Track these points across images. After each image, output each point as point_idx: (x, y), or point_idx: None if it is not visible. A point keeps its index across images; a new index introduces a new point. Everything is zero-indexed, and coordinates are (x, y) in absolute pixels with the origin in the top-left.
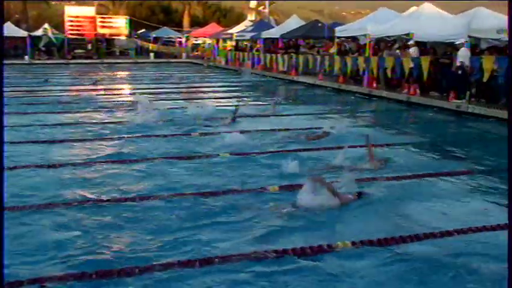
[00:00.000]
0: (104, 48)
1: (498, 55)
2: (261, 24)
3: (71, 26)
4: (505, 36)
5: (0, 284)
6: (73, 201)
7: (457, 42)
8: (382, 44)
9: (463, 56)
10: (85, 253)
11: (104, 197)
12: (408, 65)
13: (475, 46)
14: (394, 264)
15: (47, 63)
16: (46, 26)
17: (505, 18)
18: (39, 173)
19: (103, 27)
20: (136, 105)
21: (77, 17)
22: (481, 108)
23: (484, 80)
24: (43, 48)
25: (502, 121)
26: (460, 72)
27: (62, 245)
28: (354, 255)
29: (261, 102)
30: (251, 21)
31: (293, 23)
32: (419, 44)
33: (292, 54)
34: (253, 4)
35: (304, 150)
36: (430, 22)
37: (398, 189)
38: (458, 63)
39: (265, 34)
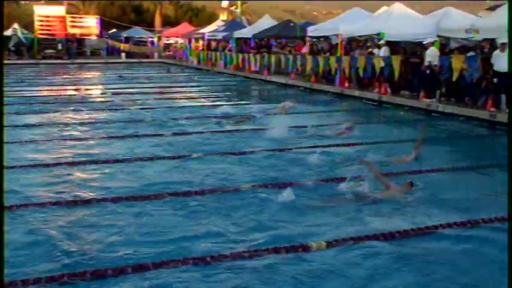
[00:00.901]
0: (74, 48)
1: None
2: (233, 24)
3: (41, 25)
4: (474, 36)
5: (0, 284)
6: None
7: (424, 42)
8: (353, 43)
9: (431, 55)
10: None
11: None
12: (379, 64)
13: (444, 45)
14: None
15: (16, 63)
16: (15, 25)
17: (473, 18)
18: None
19: (73, 27)
20: None
21: (47, 16)
22: (451, 107)
23: (454, 79)
24: (12, 48)
25: (471, 119)
26: (428, 71)
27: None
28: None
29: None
30: (223, 21)
31: (265, 23)
32: (390, 44)
33: (264, 54)
34: (225, 4)
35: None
36: (400, 22)
37: None
38: (426, 63)
39: (237, 34)
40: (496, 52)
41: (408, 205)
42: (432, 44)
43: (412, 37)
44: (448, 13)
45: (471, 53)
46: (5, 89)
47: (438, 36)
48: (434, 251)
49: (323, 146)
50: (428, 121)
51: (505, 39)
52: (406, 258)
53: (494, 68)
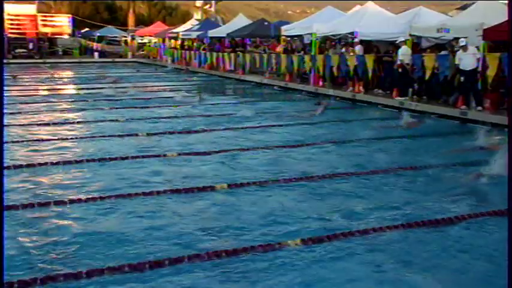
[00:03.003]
0: (46, 47)
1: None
2: (207, 23)
3: (11, 24)
4: (445, 35)
5: (0, 284)
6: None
7: (397, 41)
8: (327, 42)
9: (403, 54)
10: None
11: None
12: (353, 63)
13: (416, 44)
14: None
15: None
16: None
17: (444, 17)
18: None
19: (45, 26)
20: None
21: (17, 15)
22: (423, 105)
23: (426, 77)
24: None
25: (443, 117)
26: (400, 70)
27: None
28: None
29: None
30: (197, 20)
31: (240, 22)
32: (362, 43)
33: (239, 53)
34: (199, 3)
35: None
36: (373, 21)
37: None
38: (398, 62)
39: (212, 33)
40: (459, 52)
41: None
42: (404, 42)
43: (385, 36)
44: (420, 13)
45: (444, 52)
46: None
47: (410, 35)
48: None
49: None
50: (400, 118)
51: (464, 42)
52: None
53: (460, 67)
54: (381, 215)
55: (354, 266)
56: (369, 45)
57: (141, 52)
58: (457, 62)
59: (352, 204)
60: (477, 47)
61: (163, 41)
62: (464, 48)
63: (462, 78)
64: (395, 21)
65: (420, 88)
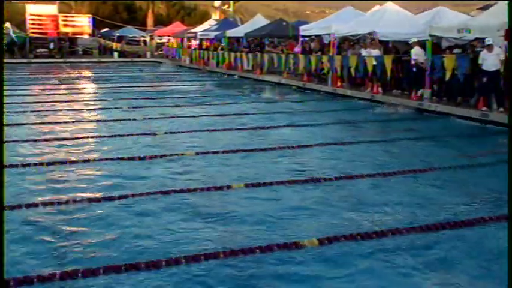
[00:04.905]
0: (66, 47)
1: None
2: (225, 23)
3: (33, 24)
4: (465, 36)
5: (0, 284)
6: None
7: (410, 42)
8: (346, 43)
9: (416, 54)
10: None
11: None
12: (371, 63)
13: (436, 45)
14: None
15: (9, 63)
16: (7, 24)
17: (465, 17)
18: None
19: (66, 26)
20: None
21: (39, 15)
22: (443, 106)
23: (446, 78)
24: (4, 47)
25: (462, 118)
26: (414, 70)
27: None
28: None
29: None
30: (215, 20)
31: (258, 22)
32: (382, 43)
33: (256, 53)
34: (217, 3)
35: None
36: (392, 21)
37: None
38: (412, 62)
39: (230, 33)
40: (484, 52)
41: None
42: (417, 43)
43: (404, 36)
44: (440, 13)
45: (457, 50)
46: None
47: (430, 35)
48: None
49: None
50: (419, 119)
51: (491, 41)
52: None
53: (483, 67)
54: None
55: None
56: (386, 46)
57: (160, 52)
58: (480, 62)
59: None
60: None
61: (182, 41)
62: (490, 48)
63: (485, 79)
64: (415, 22)
65: (440, 89)
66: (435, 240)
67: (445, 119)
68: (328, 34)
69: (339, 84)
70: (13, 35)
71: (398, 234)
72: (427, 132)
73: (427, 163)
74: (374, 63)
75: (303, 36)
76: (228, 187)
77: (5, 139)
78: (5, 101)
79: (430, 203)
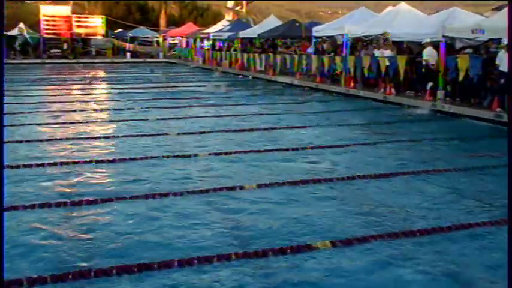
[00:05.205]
0: (79, 47)
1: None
2: (238, 24)
3: (47, 25)
4: (479, 36)
5: (0, 284)
6: None
7: (423, 42)
8: (359, 43)
9: (428, 54)
10: None
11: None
12: (384, 64)
13: (450, 45)
14: None
15: (23, 63)
16: (21, 25)
17: (479, 18)
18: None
19: (79, 26)
20: None
21: (53, 16)
22: (456, 107)
23: (460, 79)
24: (18, 48)
25: (475, 119)
26: (424, 70)
27: None
28: None
29: None
30: (228, 20)
31: (270, 22)
32: (395, 44)
33: (269, 53)
34: (230, 4)
35: None
36: (406, 22)
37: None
38: (424, 62)
39: (243, 34)
40: (501, 53)
41: None
42: (430, 43)
43: (418, 37)
44: (454, 13)
45: (468, 50)
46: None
47: (444, 36)
48: None
49: None
50: (432, 120)
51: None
52: None
53: (500, 68)
54: None
55: None
56: (400, 46)
57: (173, 52)
58: (497, 63)
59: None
60: None
61: (194, 41)
62: (507, 48)
63: (502, 81)
64: (428, 22)
65: (453, 90)
66: (450, 241)
67: (458, 120)
68: (341, 35)
69: (351, 85)
70: (27, 36)
71: (412, 235)
72: (441, 134)
73: (440, 164)
74: (387, 63)
75: (316, 37)
76: (241, 187)
77: (20, 139)
78: (21, 102)
79: (443, 205)
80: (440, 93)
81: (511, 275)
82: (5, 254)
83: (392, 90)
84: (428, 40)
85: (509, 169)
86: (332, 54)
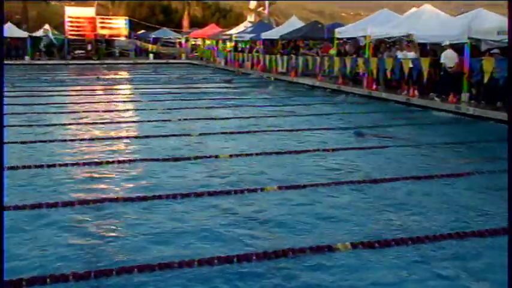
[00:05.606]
0: (103, 48)
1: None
2: (260, 25)
3: (71, 26)
4: (505, 38)
5: (0, 284)
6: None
7: (443, 44)
8: (382, 45)
9: (446, 57)
10: None
11: None
12: (408, 66)
13: (475, 47)
14: None
15: (48, 64)
16: (46, 26)
17: (505, 19)
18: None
19: (103, 28)
20: None
21: (77, 17)
22: (480, 110)
23: (485, 81)
24: (43, 49)
25: (500, 123)
26: (442, 73)
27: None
28: None
29: None
30: (250, 22)
31: (293, 24)
32: (419, 45)
33: (291, 55)
34: (252, 5)
35: None
36: (430, 23)
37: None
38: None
39: (265, 35)
40: None
41: None
42: (448, 46)
43: (442, 39)
44: (479, 15)
45: (495, 51)
46: None
47: (469, 38)
48: None
49: None
50: (456, 123)
51: None
52: None
53: None
54: None
55: None
56: (425, 48)
57: (195, 54)
58: None
59: None
60: None
61: (217, 43)
62: None
63: None
64: (453, 24)
65: (478, 92)
66: (474, 247)
67: (483, 123)
68: (364, 36)
69: (374, 87)
70: (52, 37)
71: (435, 240)
72: (464, 137)
73: (463, 168)
74: (410, 65)
75: (338, 39)
76: (262, 189)
77: (45, 138)
78: (46, 102)
79: (466, 209)
80: (464, 96)
81: (511, 275)
82: (5, 254)
83: (416, 92)
84: (447, 43)
85: (509, 169)
86: (355, 55)
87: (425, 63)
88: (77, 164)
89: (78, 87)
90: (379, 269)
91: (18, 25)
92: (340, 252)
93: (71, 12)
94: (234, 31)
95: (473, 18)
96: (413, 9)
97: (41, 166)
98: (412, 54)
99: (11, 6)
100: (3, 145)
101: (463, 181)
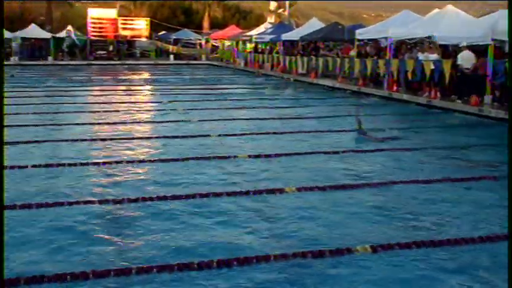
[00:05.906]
0: (124, 49)
1: None
2: (280, 27)
3: (94, 27)
4: None
5: (0, 284)
6: None
7: (460, 45)
8: (403, 46)
9: (463, 58)
10: None
11: None
12: (429, 67)
13: (499, 49)
14: None
15: (70, 64)
16: (69, 27)
17: None
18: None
19: (124, 29)
20: None
21: (100, 18)
22: (503, 112)
23: (508, 83)
24: (66, 50)
25: None
26: (458, 74)
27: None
28: None
29: None
30: (271, 23)
31: (313, 25)
32: (441, 47)
33: (311, 56)
34: (273, 6)
35: None
36: (452, 24)
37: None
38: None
39: (285, 36)
40: None
41: None
42: (466, 47)
43: (465, 40)
44: (503, 15)
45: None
46: None
47: (493, 39)
48: None
49: None
50: (478, 126)
51: None
52: None
53: None
54: None
55: None
56: (447, 50)
57: (215, 55)
58: None
59: None
60: None
61: (237, 44)
62: None
63: None
64: (476, 25)
65: (502, 95)
66: (494, 250)
67: (505, 126)
68: (385, 38)
69: (394, 88)
70: (74, 38)
71: (456, 243)
72: (486, 140)
73: (485, 171)
74: (432, 67)
75: (359, 40)
76: (281, 191)
77: (65, 138)
78: (67, 101)
79: (488, 212)
80: (487, 98)
81: (511, 275)
82: (5, 254)
83: (438, 94)
84: (464, 44)
85: (509, 169)
86: (375, 57)
87: (447, 65)
88: (96, 163)
89: (99, 87)
90: (399, 272)
91: (42, 26)
92: (360, 254)
93: (94, 14)
94: (254, 32)
95: (497, 20)
96: (436, 10)
97: (63, 165)
98: (434, 56)
99: (35, 7)
100: (3, 145)
101: (487, 184)
